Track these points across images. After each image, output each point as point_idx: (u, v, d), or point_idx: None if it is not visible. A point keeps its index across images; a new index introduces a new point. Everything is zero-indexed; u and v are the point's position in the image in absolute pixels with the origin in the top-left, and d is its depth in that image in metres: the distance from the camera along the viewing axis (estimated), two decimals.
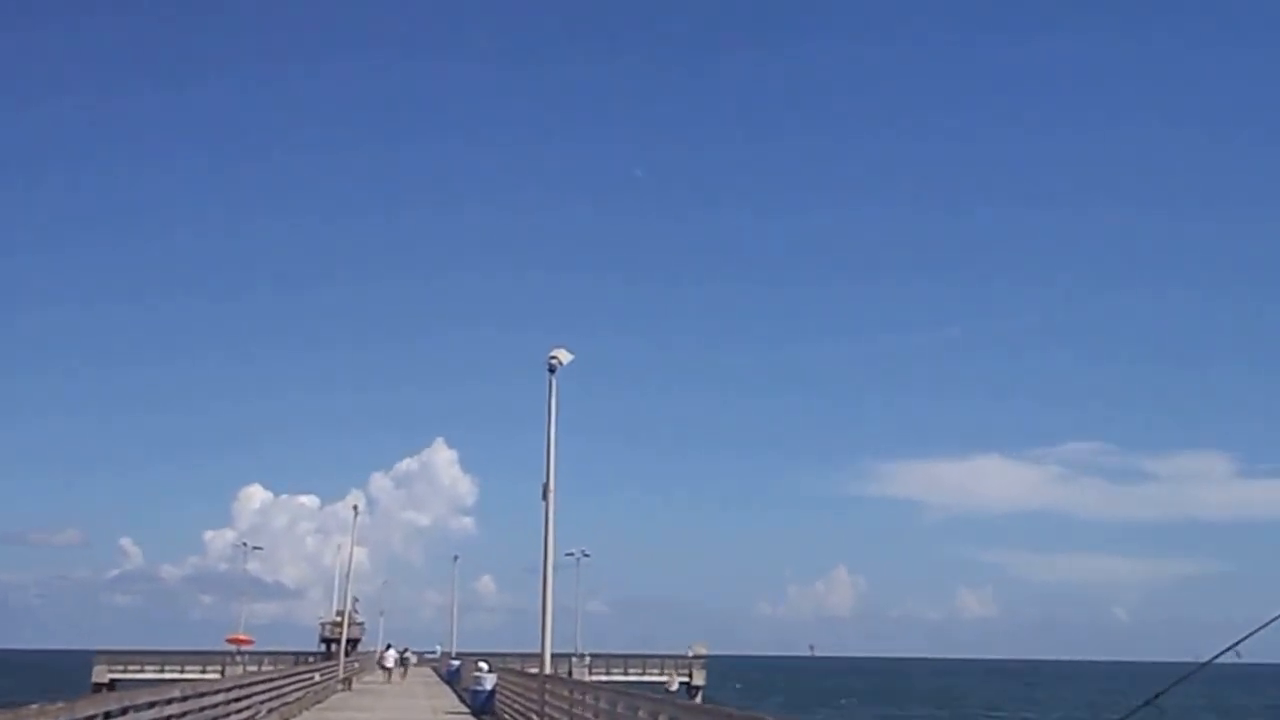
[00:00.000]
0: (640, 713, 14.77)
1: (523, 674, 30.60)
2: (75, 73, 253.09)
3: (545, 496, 24.19)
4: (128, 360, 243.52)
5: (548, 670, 24.26)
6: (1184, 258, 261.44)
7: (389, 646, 62.46)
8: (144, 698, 16.61)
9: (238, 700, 23.53)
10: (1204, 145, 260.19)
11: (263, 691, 27.03)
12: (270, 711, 27.79)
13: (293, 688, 33.28)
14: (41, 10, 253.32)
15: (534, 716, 24.94)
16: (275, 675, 30.86)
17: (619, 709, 16.05)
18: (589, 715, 18.35)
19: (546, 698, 23.12)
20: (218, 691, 21.43)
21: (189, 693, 18.96)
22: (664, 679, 75.63)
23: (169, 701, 17.65)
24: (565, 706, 20.88)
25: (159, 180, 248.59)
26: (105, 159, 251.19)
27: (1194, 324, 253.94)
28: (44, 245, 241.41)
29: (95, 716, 13.62)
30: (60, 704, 12.95)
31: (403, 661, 60.16)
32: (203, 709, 19.95)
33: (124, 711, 15.51)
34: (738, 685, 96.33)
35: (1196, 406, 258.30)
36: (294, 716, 30.28)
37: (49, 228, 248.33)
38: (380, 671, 57.98)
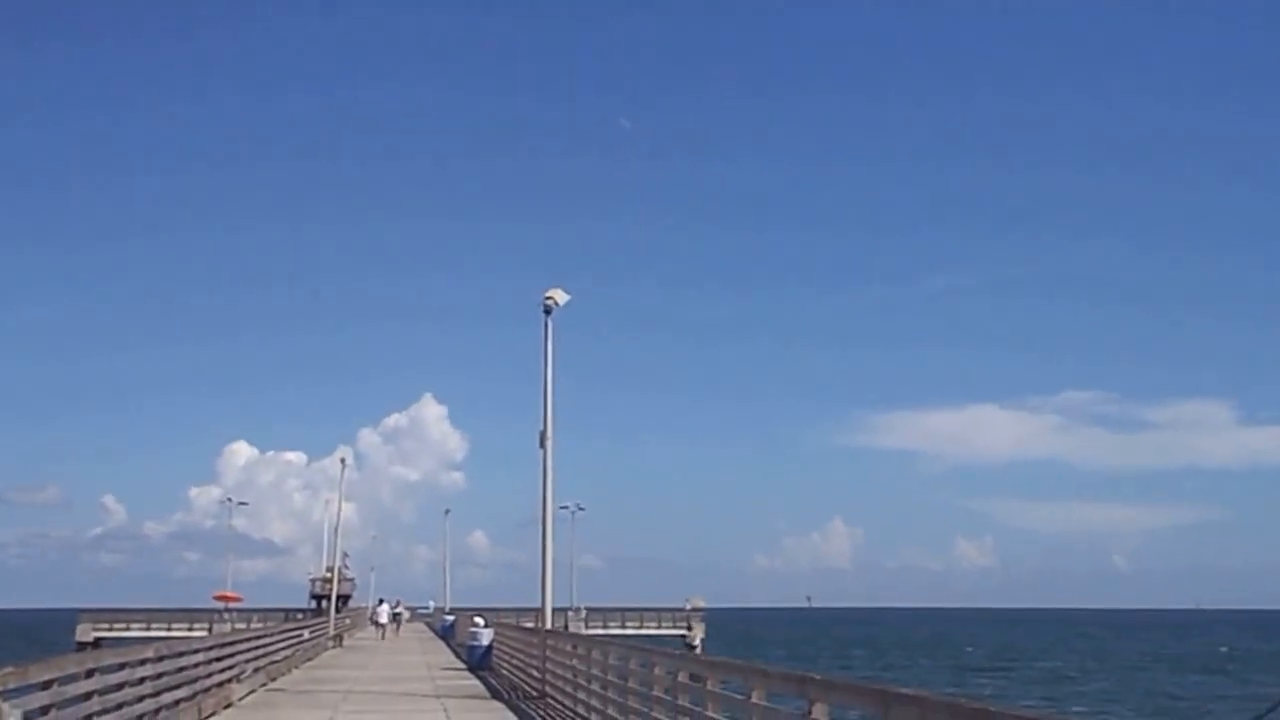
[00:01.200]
0: (656, 670, 13.42)
1: (522, 629, 29.34)
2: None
3: (543, 444, 22.84)
4: (108, 313, 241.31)
5: (548, 625, 22.97)
6: (1184, 206, 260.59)
7: (381, 601, 61.05)
8: (111, 659, 15.20)
9: (219, 660, 22.14)
10: (1206, 99, 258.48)
11: (247, 650, 25.64)
12: (257, 671, 26.44)
13: (281, 645, 31.93)
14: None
15: (534, 672, 23.66)
16: (261, 633, 29.51)
17: (632, 665, 14.71)
18: (596, 672, 17.03)
19: (549, 653, 21.82)
20: (197, 651, 20.00)
21: (165, 652, 17.52)
22: (682, 632, 74.92)
23: (141, 663, 16.23)
24: (569, 663, 19.57)
25: (141, 125, 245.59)
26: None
27: (1194, 272, 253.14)
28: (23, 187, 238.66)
29: (51, 682, 12.18)
30: (9, 669, 11.49)
31: (395, 617, 58.75)
32: (180, 669, 18.55)
33: (89, 674, 14.11)
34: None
35: (1197, 354, 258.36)
36: (282, 675, 28.98)
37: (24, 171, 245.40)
38: (373, 628, 56.67)
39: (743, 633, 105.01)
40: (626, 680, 14.70)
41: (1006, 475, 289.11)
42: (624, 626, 75.58)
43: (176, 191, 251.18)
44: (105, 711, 14.61)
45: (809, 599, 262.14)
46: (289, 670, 30.71)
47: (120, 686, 15.16)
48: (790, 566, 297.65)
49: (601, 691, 16.40)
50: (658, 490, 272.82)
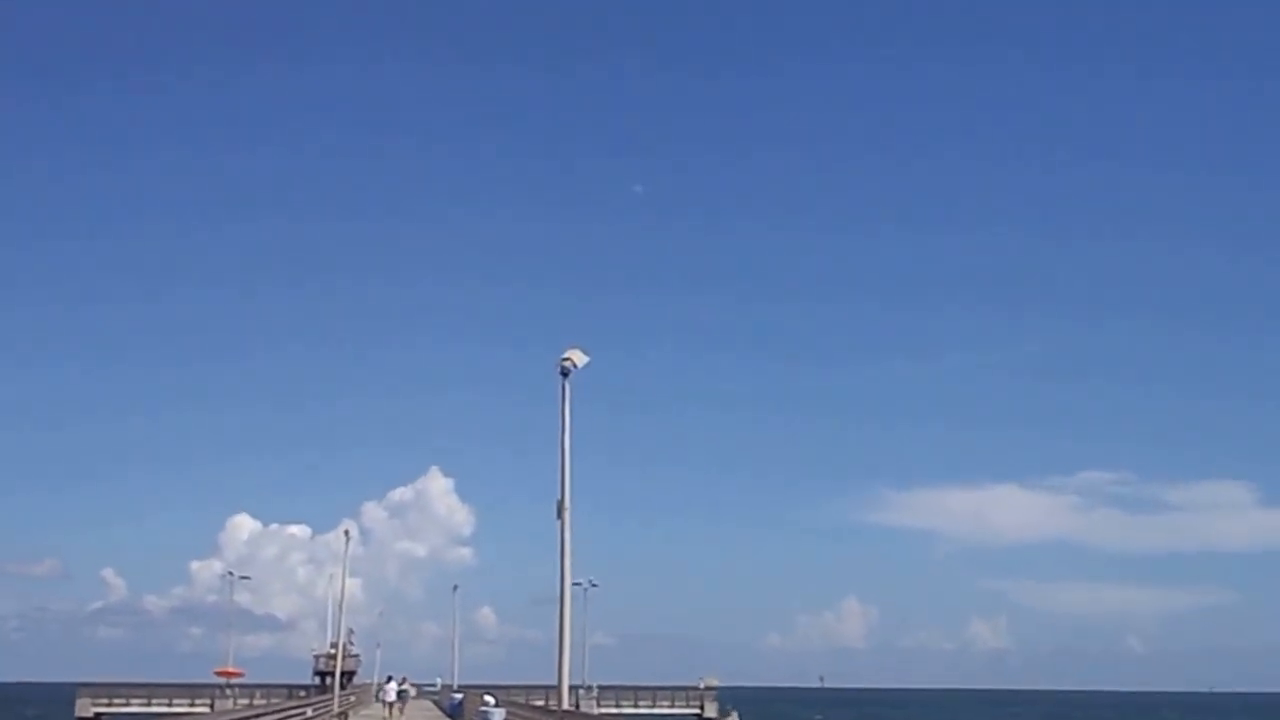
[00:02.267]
0: None
1: (537, 708, 28.13)
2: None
3: (560, 515, 21.92)
4: (107, 381, 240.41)
5: (565, 704, 21.90)
6: (1203, 286, 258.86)
7: (390, 679, 59.14)
8: None
9: None
10: (1223, 173, 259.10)
11: None
12: None
13: None
14: None
15: None
16: (263, 711, 28.36)
17: None
18: None
19: None
20: None
21: None
22: (696, 711, 72.66)
23: None
24: None
25: (133, 181, 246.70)
26: (90, 156, 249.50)
27: (1214, 352, 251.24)
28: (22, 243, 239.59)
29: None
30: None
31: (401, 695, 56.99)
32: None
33: None
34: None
35: (1216, 435, 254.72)
36: None
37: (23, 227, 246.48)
38: (380, 705, 54.88)
39: (757, 713, 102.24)
40: None
41: (1022, 555, 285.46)
42: (636, 705, 73.45)
43: (179, 253, 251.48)
44: None
45: (822, 679, 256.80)
46: None
47: None
48: (803, 645, 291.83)
49: None
50: (669, 567, 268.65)
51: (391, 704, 53.61)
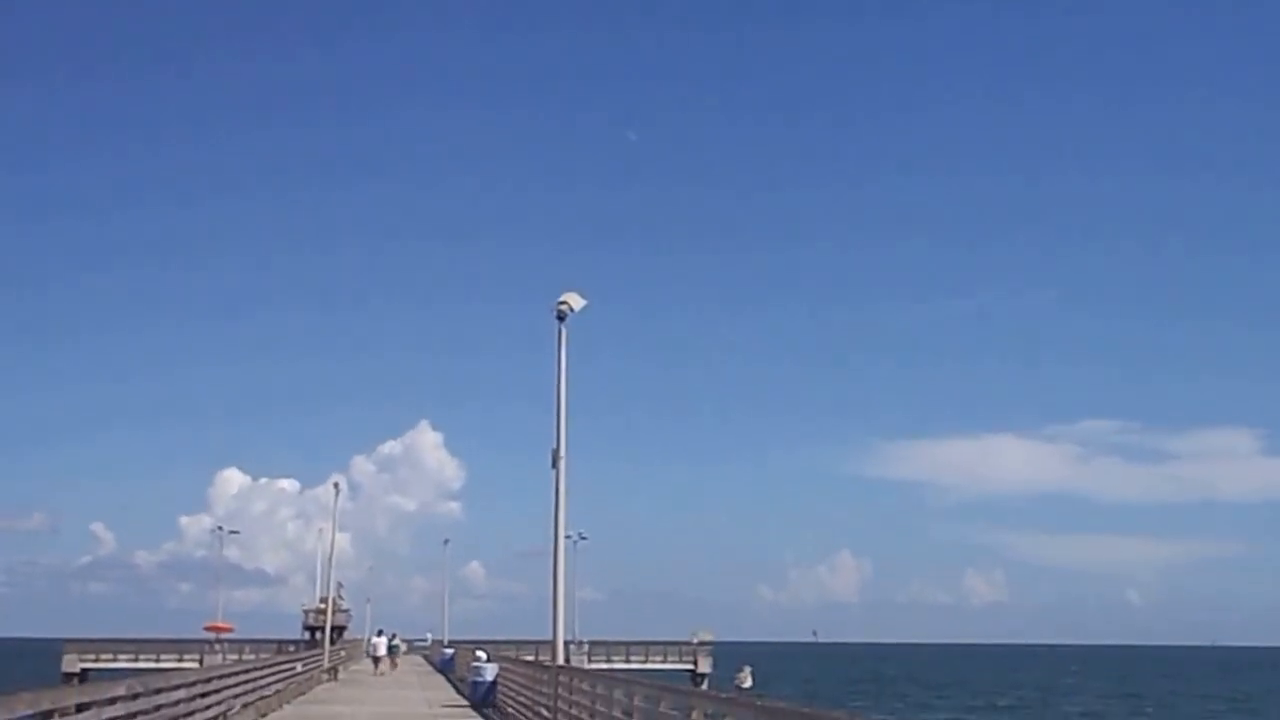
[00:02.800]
0: (694, 714, 11.76)
1: (530, 664, 27.56)
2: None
3: (555, 464, 21.15)
4: (96, 337, 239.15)
5: (561, 659, 21.24)
6: (1208, 225, 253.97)
7: (380, 633, 58.12)
8: (74, 698, 13.54)
9: (204, 695, 20.43)
10: (1241, 116, 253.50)
11: (235, 685, 23.90)
12: (245, 707, 24.72)
13: (271, 679, 30.17)
14: None
15: (544, 712, 21.90)
16: (250, 666, 27.76)
17: (662, 707, 13.04)
18: (618, 714, 15.33)
19: (561, 691, 20.10)
20: (177, 687, 18.28)
21: (139, 690, 15.82)
22: (689, 666, 72.02)
23: (111, 701, 14.55)
24: (586, 703, 17.85)
25: (125, 160, 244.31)
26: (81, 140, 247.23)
27: (1217, 297, 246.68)
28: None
29: None
30: None
31: (392, 650, 56.10)
32: (158, 708, 16.85)
33: (49, 716, 12.46)
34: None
35: (1220, 382, 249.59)
36: (273, 711, 27.23)
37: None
38: (370, 662, 53.99)
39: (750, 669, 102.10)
40: None
41: (1020, 507, 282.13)
42: (628, 660, 73.41)
43: (169, 218, 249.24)
44: None
45: (815, 633, 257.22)
46: (280, 706, 28.94)
47: None
48: (795, 600, 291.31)
49: None
50: (659, 521, 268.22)
51: (380, 659, 52.64)
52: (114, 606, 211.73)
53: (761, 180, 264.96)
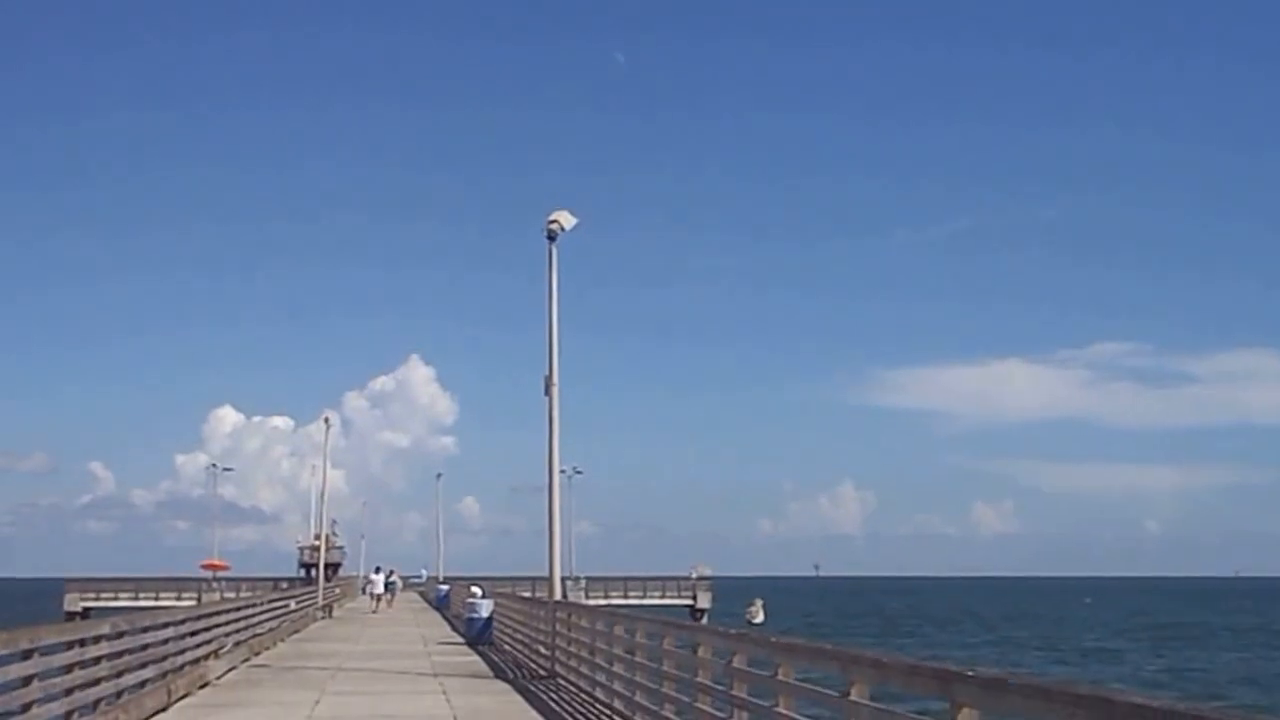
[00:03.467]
0: (700, 650, 11.25)
1: (527, 599, 27.18)
2: None
3: (548, 391, 20.56)
4: (93, 279, 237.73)
5: (557, 594, 20.81)
6: (1225, 131, 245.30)
7: (377, 570, 56.86)
8: (57, 636, 13.00)
9: (194, 635, 19.96)
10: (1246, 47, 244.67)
11: (227, 623, 23.47)
12: (238, 645, 24.33)
13: (265, 617, 29.80)
14: None
15: (542, 649, 21.51)
16: (243, 604, 27.34)
17: (666, 644, 12.54)
18: (620, 651, 14.86)
19: (559, 628, 19.66)
20: (166, 625, 17.79)
21: (125, 628, 15.30)
22: (688, 602, 71.78)
23: (96, 640, 14.03)
24: (583, 639, 17.39)
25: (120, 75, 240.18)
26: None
27: (1237, 209, 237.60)
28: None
29: None
30: None
31: (390, 587, 55.35)
32: (145, 647, 16.36)
33: (27, 655, 11.93)
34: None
35: (1242, 299, 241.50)
36: (267, 649, 26.87)
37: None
38: (368, 599, 53.25)
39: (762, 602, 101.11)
40: (661, 663, 12.53)
41: (1030, 435, 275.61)
42: (626, 596, 73.41)
43: (158, 171, 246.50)
44: (49, 699, 12.48)
45: (817, 567, 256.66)
46: (274, 644, 28.60)
47: (69, 669, 13.03)
48: (797, 533, 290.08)
49: (627, 675, 14.23)
50: (654, 454, 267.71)
51: (379, 596, 52.17)
52: (113, 545, 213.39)
53: (760, 102, 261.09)
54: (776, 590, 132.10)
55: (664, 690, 12.39)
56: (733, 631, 10.21)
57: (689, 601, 74.96)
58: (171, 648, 18.00)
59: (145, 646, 16.42)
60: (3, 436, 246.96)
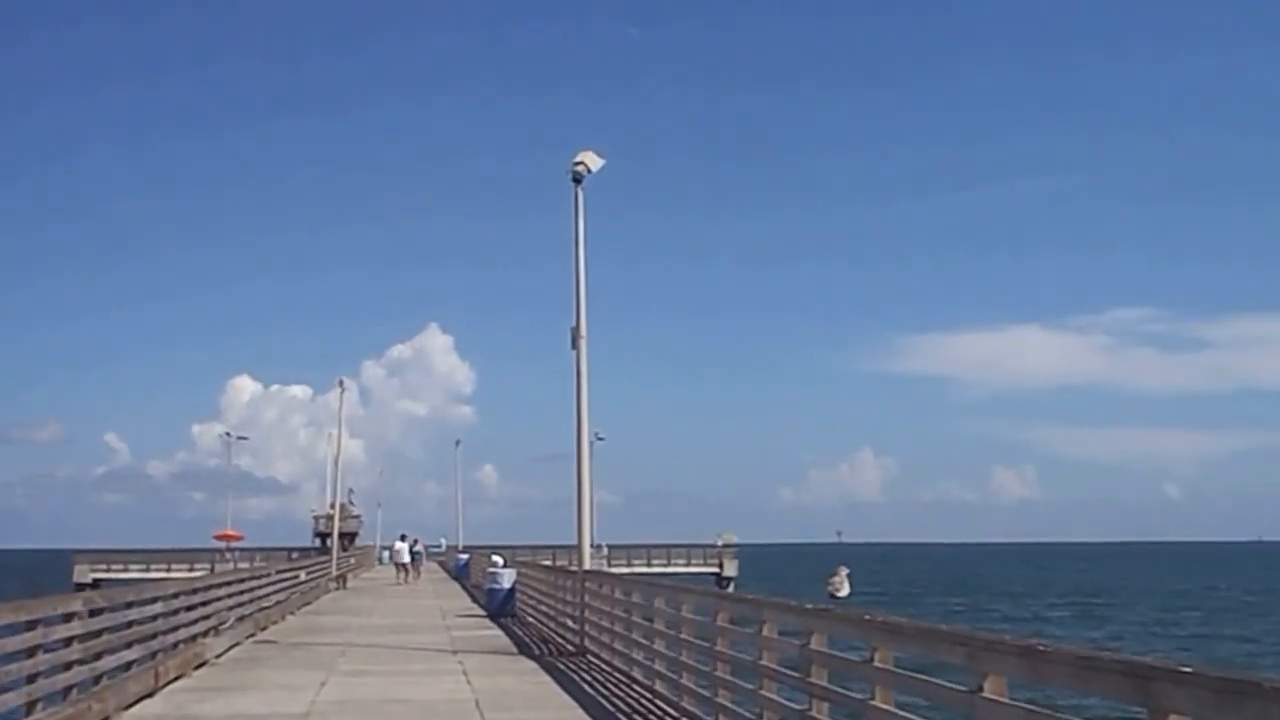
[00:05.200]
0: (766, 629, 9.43)
1: (551, 569, 25.43)
2: None
3: (575, 344, 18.72)
4: (109, 250, 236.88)
5: (587, 564, 19.04)
6: (1244, 102, 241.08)
7: (403, 537, 52.67)
8: (20, 615, 11.27)
9: (189, 610, 18.27)
10: None
11: (227, 596, 21.78)
12: (243, 620, 22.68)
13: (273, 589, 28.15)
14: None
15: (570, 623, 19.76)
16: (244, 575, 25.66)
17: (720, 619, 10.73)
18: (660, 627, 13.07)
19: (587, 599, 17.90)
20: (154, 600, 16.06)
21: (102, 604, 13.58)
22: (714, 570, 69.62)
23: (66, 618, 12.32)
24: (621, 614, 15.59)
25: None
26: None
27: (1255, 174, 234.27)
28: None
29: None
30: None
31: (415, 556, 50.93)
32: (129, 624, 14.66)
33: None
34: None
35: (1260, 263, 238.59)
36: (274, 624, 25.25)
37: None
38: (395, 570, 50.11)
39: (774, 570, 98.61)
40: (715, 642, 10.71)
41: (1049, 400, 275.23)
42: (649, 564, 71.69)
43: (179, 121, 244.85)
44: (5, 689, 10.77)
45: (839, 534, 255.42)
46: (283, 617, 27.00)
47: (32, 652, 11.31)
48: (816, 500, 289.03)
49: (672, 654, 12.42)
50: (674, 423, 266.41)
51: (405, 566, 49.10)
52: (129, 517, 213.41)
53: (772, 69, 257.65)
54: (798, 557, 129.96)
55: (717, 673, 10.59)
56: (809, 606, 8.35)
57: (714, 569, 73.29)
58: (161, 624, 16.31)
59: (130, 624, 14.74)
60: (18, 407, 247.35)
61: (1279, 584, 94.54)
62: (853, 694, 7.50)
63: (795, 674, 8.59)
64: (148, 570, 71.46)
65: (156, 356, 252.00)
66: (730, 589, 60.43)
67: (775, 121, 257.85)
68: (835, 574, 38.62)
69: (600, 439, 76.42)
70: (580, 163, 18.45)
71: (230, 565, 65.73)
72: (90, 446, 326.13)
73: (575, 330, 18.35)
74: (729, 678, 10.33)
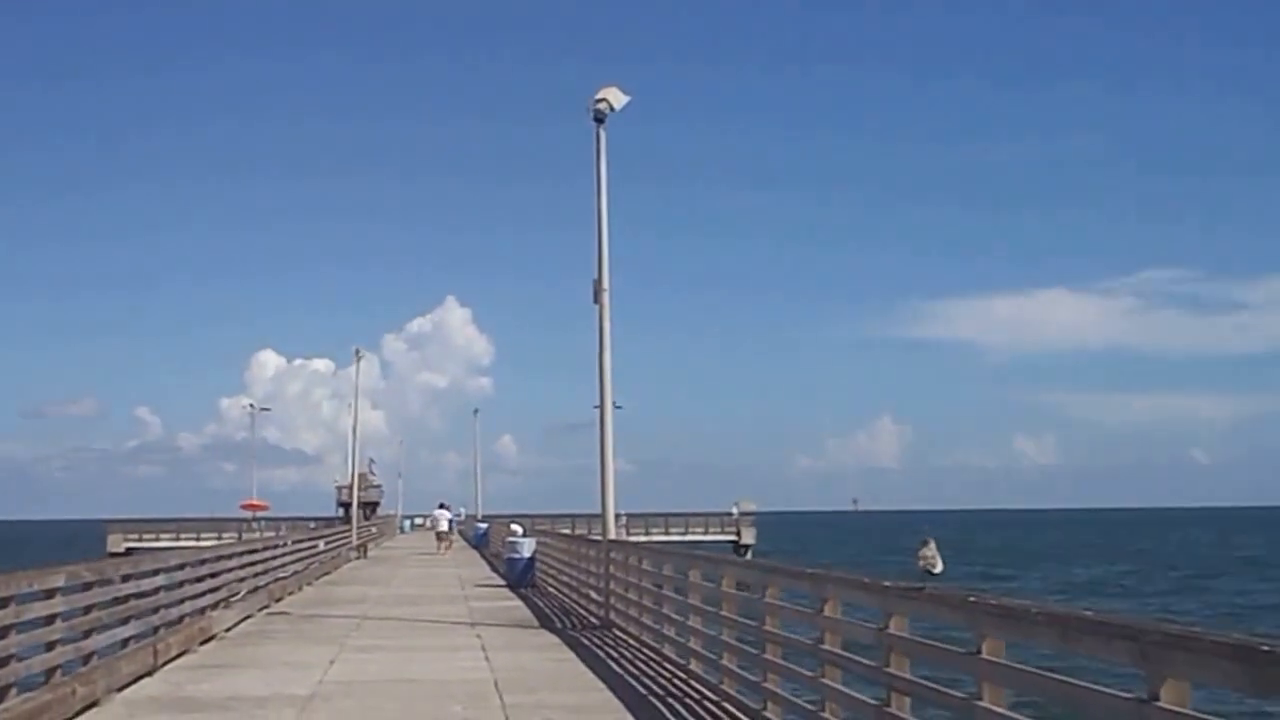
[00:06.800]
0: (829, 606, 8.24)
1: (573, 538, 24.35)
2: None
3: (597, 298, 17.52)
4: (137, 230, 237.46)
5: (611, 533, 17.91)
6: (1270, 59, 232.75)
7: (442, 506, 50.57)
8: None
9: (197, 581, 17.23)
10: None
11: (238, 567, 20.76)
12: (257, 590, 21.71)
13: (289, 559, 27.18)
14: None
15: (594, 594, 18.68)
16: (257, 545, 24.68)
17: (771, 595, 9.54)
18: (695, 601, 11.92)
19: (613, 570, 16.78)
20: (155, 573, 15.00)
21: (88, 578, 12.49)
22: (731, 538, 68.07)
23: (48, 594, 11.26)
24: (650, 586, 14.46)
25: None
26: None
27: None
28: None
29: None
30: None
31: (452, 525, 49.08)
32: (126, 598, 13.61)
33: None
34: None
35: None
36: (290, 595, 24.30)
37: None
38: (435, 539, 47.64)
39: (793, 538, 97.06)
40: (763, 621, 9.54)
41: (1073, 365, 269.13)
42: (667, 533, 70.73)
43: (199, 99, 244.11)
44: None
45: (855, 501, 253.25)
46: (299, 588, 26.06)
47: (4, 633, 10.24)
48: (834, 467, 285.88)
49: (711, 632, 11.27)
50: (691, 391, 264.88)
51: (444, 534, 47.45)
52: (161, 487, 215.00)
53: (795, 39, 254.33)
54: (815, 524, 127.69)
55: (766, 657, 9.43)
56: (887, 584, 7.14)
57: (732, 537, 72.30)
58: (164, 598, 15.28)
59: (127, 598, 13.70)
60: (55, 383, 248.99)
61: None
62: (950, 691, 6.30)
63: (868, 662, 7.42)
64: (177, 539, 71.45)
65: (186, 333, 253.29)
66: (748, 557, 59.35)
67: (799, 92, 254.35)
68: (925, 545, 35.71)
69: (618, 408, 75.27)
70: (602, 99, 17.14)
71: (257, 534, 65.29)
72: (123, 421, 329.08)
73: (598, 283, 17.15)
74: (780, 660, 9.16)
